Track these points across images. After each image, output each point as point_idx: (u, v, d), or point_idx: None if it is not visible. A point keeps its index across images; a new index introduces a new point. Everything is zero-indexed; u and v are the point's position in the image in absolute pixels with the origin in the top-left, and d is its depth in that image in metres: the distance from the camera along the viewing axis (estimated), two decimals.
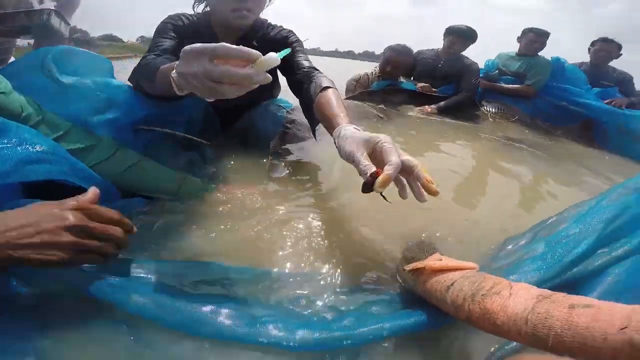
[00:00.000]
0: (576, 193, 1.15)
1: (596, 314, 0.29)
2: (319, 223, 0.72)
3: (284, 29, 1.03)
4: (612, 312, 0.29)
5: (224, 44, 0.42)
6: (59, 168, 0.52)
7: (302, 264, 0.60)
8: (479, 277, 0.41)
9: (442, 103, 2.18)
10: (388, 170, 0.48)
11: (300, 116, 1.09)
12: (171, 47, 0.85)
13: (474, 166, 1.33)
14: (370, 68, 2.43)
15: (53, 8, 1.30)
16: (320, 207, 0.79)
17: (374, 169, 0.49)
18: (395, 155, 0.50)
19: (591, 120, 2.25)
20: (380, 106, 2.05)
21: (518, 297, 0.35)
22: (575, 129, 2.25)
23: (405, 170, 0.52)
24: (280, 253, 0.62)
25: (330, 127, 0.66)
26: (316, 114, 0.79)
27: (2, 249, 0.36)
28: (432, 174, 0.52)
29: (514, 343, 0.43)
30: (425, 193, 0.52)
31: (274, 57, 0.43)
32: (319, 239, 0.67)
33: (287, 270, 0.58)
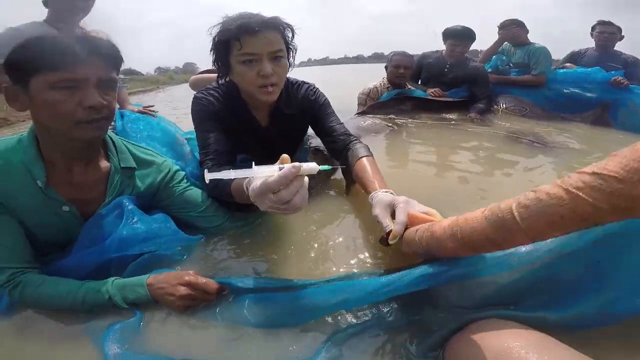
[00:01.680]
0: None
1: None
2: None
3: (306, 86, 1.06)
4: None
5: (274, 180, 0.48)
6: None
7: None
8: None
9: (479, 107, 2.29)
10: (395, 227, 0.65)
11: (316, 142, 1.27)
12: (220, 142, 0.91)
13: (487, 169, 1.39)
14: (378, 79, 2.54)
15: None
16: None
17: (389, 228, 0.66)
18: (403, 215, 0.66)
19: (606, 103, 2.24)
20: (390, 116, 2.18)
21: (438, 224, 0.57)
22: (589, 115, 2.26)
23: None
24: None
25: (366, 191, 0.82)
26: (354, 177, 0.93)
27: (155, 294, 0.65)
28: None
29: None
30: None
31: (314, 167, 0.51)
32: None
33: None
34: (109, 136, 0.81)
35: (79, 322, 0.63)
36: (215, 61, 0.93)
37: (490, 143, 1.73)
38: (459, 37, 2.33)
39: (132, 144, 0.87)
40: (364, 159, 0.92)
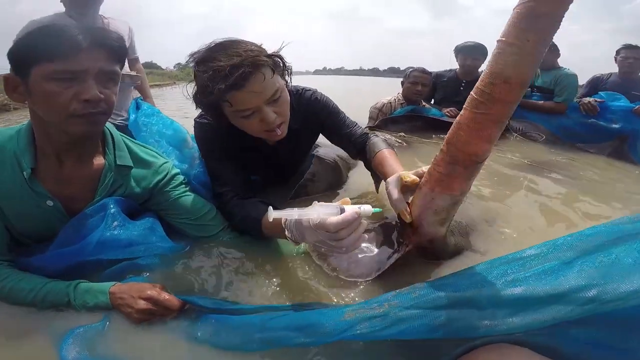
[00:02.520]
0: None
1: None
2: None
3: (309, 93, 1.00)
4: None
5: (336, 221, 0.51)
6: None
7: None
8: None
9: None
10: (396, 206, 0.66)
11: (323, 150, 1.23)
12: (236, 172, 0.89)
13: (494, 192, 1.35)
14: (392, 94, 2.52)
15: None
16: None
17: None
18: (394, 192, 0.67)
19: (625, 136, 2.14)
20: (400, 133, 2.14)
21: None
22: (607, 146, 2.17)
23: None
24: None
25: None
26: (376, 171, 0.92)
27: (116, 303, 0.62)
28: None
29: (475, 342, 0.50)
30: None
31: (369, 211, 0.54)
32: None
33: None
34: (109, 131, 0.79)
35: (42, 322, 0.61)
36: (206, 115, 0.87)
37: (501, 167, 1.69)
38: (470, 51, 2.32)
39: (134, 141, 0.85)
40: (384, 151, 0.90)
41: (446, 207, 0.60)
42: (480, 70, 2.37)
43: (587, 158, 2.08)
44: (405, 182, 0.67)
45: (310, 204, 0.54)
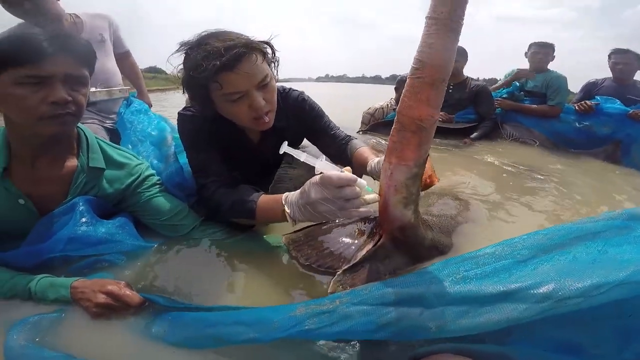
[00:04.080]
0: None
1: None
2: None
3: (296, 94, 1.01)
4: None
5: (338, 175, 0.61)
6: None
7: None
8: None
9: (475, 134, 2.27)
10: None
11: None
12: (219, 163, 0.88)
13: (489, 198, 1.32)
14: (385, 100, 2.54)
15: None
16: None
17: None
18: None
19: (618, 141, 2.14)
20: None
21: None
22: (601, 152, 2.16)
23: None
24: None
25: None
26: (356, 168, 0.93)
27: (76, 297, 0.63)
28: None
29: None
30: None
31: (364, 184, 0.63)
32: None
33: None
34: (84, 133, 0.81)
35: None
36: (191, 99, 0.85)
37: (492, 170, 1.68)
38: None
39: (109, 144, 0.87)
40: (364, 147, 0.97)
41: (404, 182, 0.61)
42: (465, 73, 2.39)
43: (581, 163, 2.07)
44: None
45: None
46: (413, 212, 0.65)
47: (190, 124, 0.89)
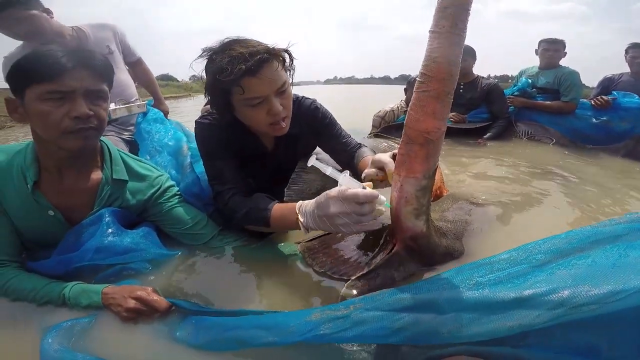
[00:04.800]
0: None
1: None
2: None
3: (309, 102, 1.03)
4: None
5: (363, 192, 0.62)
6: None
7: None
8: None
9: (489, 134, 2.26)
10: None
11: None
12: (236, 171, 0.91)
13: (506, 200, 1.30)
14: (396, 102, 2.53)
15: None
16: None
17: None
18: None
19: (638, 136, 2.07)
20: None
21: None
22: (621, 147, 2.09)
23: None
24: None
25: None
26: (358, 173, 0.94)
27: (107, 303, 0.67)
28: None
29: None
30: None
31: (383, 200, 0.63)
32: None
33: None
34: (107, 147, 0.85)
35: (35, 316, 0.67)
36: (211, 104, 0.88)
37: (505, 170, 1.64)
38: None
39: (130, 156, 0.91)
40: (367, 157, 0.96)
41: (414, 194, 0.62)
42: (475, 72, 2.37)
43: (600, 160, 2.00)
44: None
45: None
46: (424, 222, 0.66)
47: (207, 132, 0.92)
